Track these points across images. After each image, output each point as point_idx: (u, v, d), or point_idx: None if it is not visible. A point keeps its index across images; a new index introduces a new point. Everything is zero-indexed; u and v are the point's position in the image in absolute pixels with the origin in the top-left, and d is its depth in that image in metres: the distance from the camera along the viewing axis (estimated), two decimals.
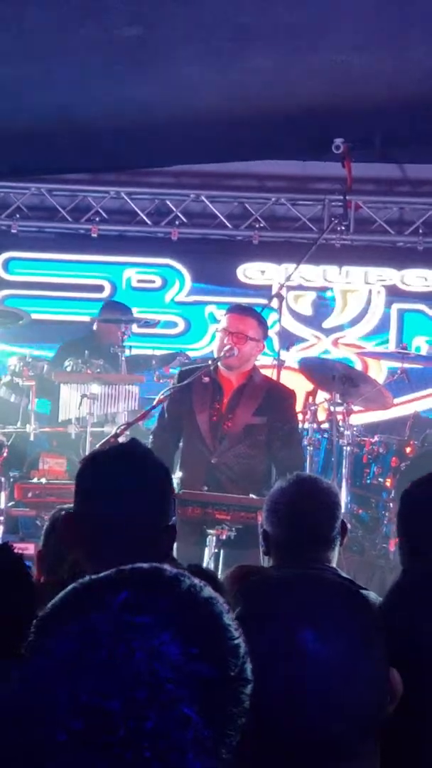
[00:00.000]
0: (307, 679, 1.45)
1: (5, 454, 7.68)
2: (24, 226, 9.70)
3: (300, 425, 7.23)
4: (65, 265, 9.79)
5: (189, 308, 9.79)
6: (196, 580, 1.21)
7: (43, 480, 7.44)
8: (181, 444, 6.67)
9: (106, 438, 6.63)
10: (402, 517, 3.00)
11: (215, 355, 6.78)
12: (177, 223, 9.64)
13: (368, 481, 7.82)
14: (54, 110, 7.96)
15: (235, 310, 6.88)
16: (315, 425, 7.60)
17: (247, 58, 7.24)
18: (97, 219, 9.67)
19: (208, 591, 1.21)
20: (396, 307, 9.69)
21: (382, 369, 9.42)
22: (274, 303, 8.00)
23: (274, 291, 8.73)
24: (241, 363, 6.62)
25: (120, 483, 2.69)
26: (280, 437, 6.57)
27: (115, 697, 1.09)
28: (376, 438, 7.95)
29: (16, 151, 8.86)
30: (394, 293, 9.65)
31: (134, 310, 8.99)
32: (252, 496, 6.28)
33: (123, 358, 8.05)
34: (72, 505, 2.89)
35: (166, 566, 1.23)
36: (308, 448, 7.41)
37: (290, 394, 6.77)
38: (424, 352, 9.36)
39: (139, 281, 9.83)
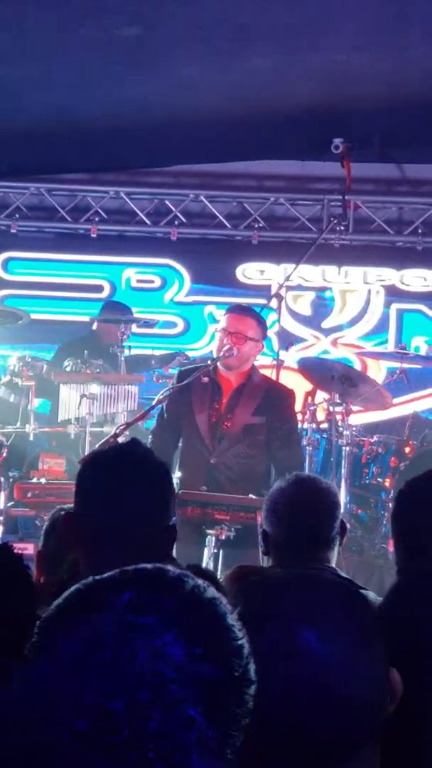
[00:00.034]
0: (307, 680, 1.45)
1: (5, 454, 7.68)
2: (23, 225, 9.69)
3: (299, 425, 7.22)
4: (64, 265, 9.79)
5: (188, 308, 9.79)
6: (200, 581, 1.22)
7: (43, 480, 7.44)
8: (180, 444, 6.68)
9: (106, 438, 6.63)
10: (396, 517, 3.00)
11: (214, 355, 6.78)
12: (176, 223, 9.64)
13: (367, 481, 7.83)
14: (54, 110, 7.97)
15: (235, 310, 6.88)
16: (314, 425, 7.60)
17: (247, 58, 7.24)
18: (97, 219, 9.67)
19: (211, 592, 1.21)
20: (395, 307, 9.69)
21: (381, 369, 9.42)
22: (274, 303, 8.00)
23: (273, 291, 8.74)
24: (240, 363, 6.62)
25: (120, 483, 2.69)
26: (279, 437, 6.57)
27: (119, 697, 1.09)
28: (375, 438, 7.95)
29: (16, 151, 8.87)
30: (393, 293, 9.65)
31: (134, 310, 8.99)
32: (251, 496, 6.28)
33: (122, 358, 8.04)
34: (72, 505, 2.89)
35: (170, 567, 1.23)
36: (307, 448, 7.40)
37: (289, 394, 6.77)
38: (423, 352, 9.35)
39: (139, 281, 9.83)
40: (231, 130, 8.40)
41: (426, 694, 1.70)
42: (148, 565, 1.24)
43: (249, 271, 9.68)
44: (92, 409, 7.77)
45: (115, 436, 6.44)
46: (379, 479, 7.77)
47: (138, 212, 9.64)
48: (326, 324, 9.72)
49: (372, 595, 2.43)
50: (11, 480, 7.59)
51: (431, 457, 7.43)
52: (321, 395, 7.86)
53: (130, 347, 8.36)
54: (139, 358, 8.65)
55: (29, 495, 7.36)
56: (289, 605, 1.52)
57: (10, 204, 9.67)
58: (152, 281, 9.82)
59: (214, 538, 6.19)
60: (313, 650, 1.46)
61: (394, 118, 8.20)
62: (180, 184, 9.77)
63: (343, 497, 6.99)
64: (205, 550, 6.21)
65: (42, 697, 1.11)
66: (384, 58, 7.31)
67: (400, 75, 7.52)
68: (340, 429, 7.57)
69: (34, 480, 7.48)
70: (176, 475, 6.41)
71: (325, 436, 7.65)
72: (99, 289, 9.82)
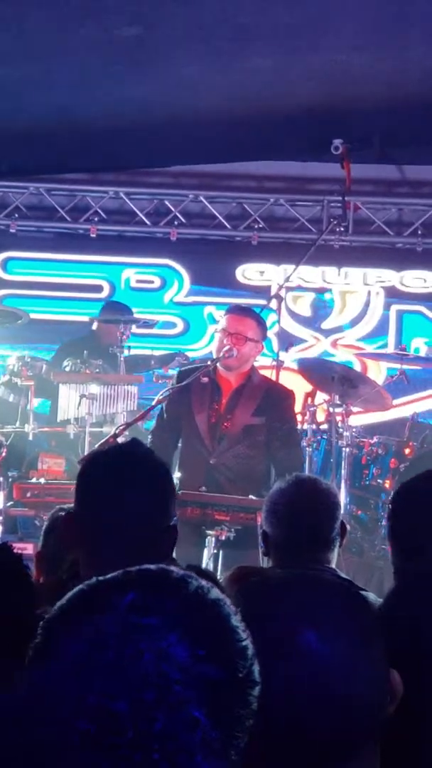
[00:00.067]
0: (307, 680, 1.45)
1: (4, 454, 7.68)
2: (23, 225, 9.69)
3: (299, 426, 7.22)
4: (64, 265, 9.78)
5: (188, 309, 9.78)
6: (204, 582, 1.21)
7: (42, 480, 7.44)
8: (179, 444, 6.68)
9: (106, 438, 6.63)
10: (393, 518, 3.00)
11: (214, 356, 6.79)
12: (176, 223, 9.64)
13: (367, 482, 7.82)
14: (54, 110, 7.97)
15: (234, 310, 6.88)
16: (314, 426, 7.59)
17: (247, 58, 7.24)
18: (96, 219, 9.66)
19: (215, 593, 1.21)
20: (395, 308, 9.68)
21: (381, 370, 9.41)
22: (273, 304, 8.01)
23: (273, 292, 8.74)
24: (240, 364, 6.63)
25: (120, 483, 2.69)
26: (279, 437, 6.57)
27: (123, 698, 1.09)
28: (375, 439, 7.94)
29: (16, 151, 8.87)
30: (393, 294, 9.65)
31: (133, 310, 8.99)
32: (251, 496, 6.28)
33: (122, 359, 8.04)
34: (72, 505, 2.89)
35: (173, 567, 1.23)
36: (307, 448, 7.40)
37: (289, 395, 6.77)
38: (423, 353, 9.35)
39: (138, 281, 9.82)
40: (231, 131, 8.40)
41: (426, 694, 1.70)
42: (152, 566, 1.24)
43: (249, 272, 9.67)
44: (92, 409, 7.77)
45: (115, 436, 6.44)
46: (379, 480, 7.77)
47: (138, 212, 9.64)
48: (326, 325, 9.72)
49: (372, 596, 2.43)
50: (10, 480, 7.59)
51: (431, 459, 7.43)
52: (321, 396, 7.86)
53: (129, 347, 8.36)
54: (139, 358, 8.64)
55: (28, 495, 7.36)
56: (289, 606, 1.52)
57: (10, 204, 9.67)
58: (152, 281, 9.81)
59: (213, 539, 6.19)
60: (313, 651, 1.46)
61: (394, 119, 8.20)
62: (180, 185, 9.77)
63: (342, 498, 6.98)
64: (205, 551, 6.21)
65: (45, 697, 1.11)
66: (384, 58, 7.31)
67: (400, 75, 7.52)
68: (340, 430, 7.57)
69: (34, 480, 7.48)
70: (176, 476, 6.41)
71: (325, 437, 7.64)
72: (98, 289, 9.82)
